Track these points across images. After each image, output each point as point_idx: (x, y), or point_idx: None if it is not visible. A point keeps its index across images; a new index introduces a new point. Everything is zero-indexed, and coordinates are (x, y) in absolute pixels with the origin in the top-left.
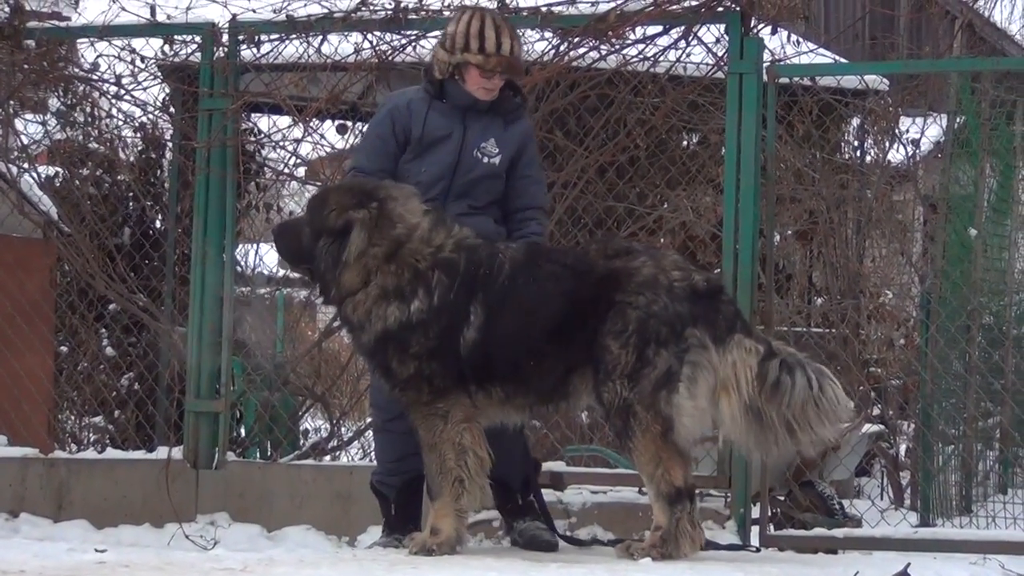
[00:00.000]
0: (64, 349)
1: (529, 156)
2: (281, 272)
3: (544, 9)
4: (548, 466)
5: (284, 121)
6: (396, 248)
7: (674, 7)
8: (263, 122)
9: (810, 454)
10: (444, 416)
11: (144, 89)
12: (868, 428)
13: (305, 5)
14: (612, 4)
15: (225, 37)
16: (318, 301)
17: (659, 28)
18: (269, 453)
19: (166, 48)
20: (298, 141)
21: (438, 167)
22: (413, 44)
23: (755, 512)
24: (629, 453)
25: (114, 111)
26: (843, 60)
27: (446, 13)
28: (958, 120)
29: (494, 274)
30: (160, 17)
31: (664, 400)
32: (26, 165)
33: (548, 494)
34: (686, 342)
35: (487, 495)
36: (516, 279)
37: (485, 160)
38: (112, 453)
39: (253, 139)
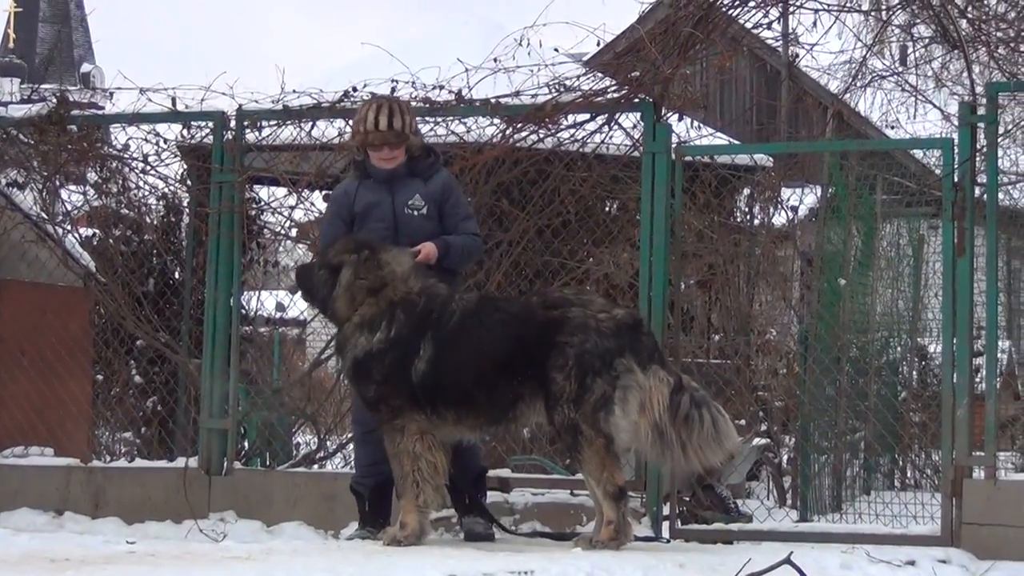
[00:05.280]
0: (100, 377)
1: (453, 201)
2: (278, 314)
3: (493, 100)
4: (496, 473)
5: (281, 191)
6: (381, 286)
7: (599, 99)
8: (263, 192)
9: (698, 469)
10: (401, 430)
11: (166, 165)
12: (757, 441)
13: (298, 96)
14: (548, 96)
15: (232, 123)
16: (308, 337)
17: (587, 116)
18: (268, 462)
19: (184, 132)
20: (292, 208)
21: (381, 226)
22: None
23: (666, 510)
24: (579, 464)
25: (141, 183)
26: (736, 142)
27: (413, 104)
28: (830, 190)
29: (445, 318)
30: (179, 106)
31: (603, 420)
32: (69, 227)
33: (496, 495)
34: (616, 370)
35: (443, 494)
36: (466, 324)
37: (415, 213)
38: (140, 462)
39: (255, 206)
